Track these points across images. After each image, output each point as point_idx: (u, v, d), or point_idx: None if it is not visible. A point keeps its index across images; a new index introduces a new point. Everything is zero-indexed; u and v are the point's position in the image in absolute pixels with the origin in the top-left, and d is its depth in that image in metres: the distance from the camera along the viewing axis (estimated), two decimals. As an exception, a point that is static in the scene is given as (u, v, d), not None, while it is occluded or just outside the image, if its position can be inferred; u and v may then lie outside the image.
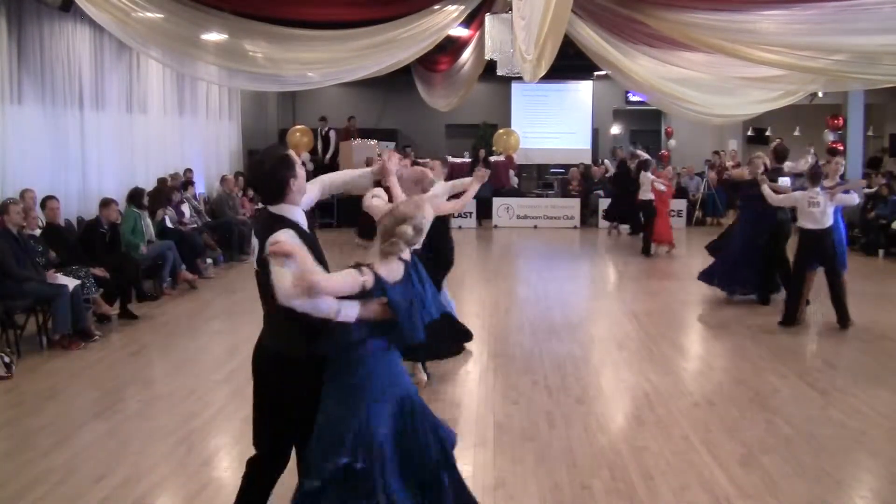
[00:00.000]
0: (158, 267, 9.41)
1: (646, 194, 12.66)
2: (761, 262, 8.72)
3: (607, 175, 17.11)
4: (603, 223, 16.13)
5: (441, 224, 6.08)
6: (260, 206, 3.19)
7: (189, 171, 12.95)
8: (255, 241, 3.12)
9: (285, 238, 2.90)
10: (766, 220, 8.59)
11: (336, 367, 3.03)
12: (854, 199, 8.05)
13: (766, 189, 8.13)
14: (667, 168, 14.89)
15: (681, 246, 14.02)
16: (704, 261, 10.01)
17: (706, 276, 9.27)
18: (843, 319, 7.71)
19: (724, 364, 6.61)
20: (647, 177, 12.65)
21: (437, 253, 6.01)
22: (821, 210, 7.51)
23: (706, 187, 16.92)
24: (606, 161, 18.36)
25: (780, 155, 9.41)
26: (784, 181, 8.79)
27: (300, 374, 3.07)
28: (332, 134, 17.82)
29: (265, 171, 3.07)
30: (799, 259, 7.73)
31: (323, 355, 3.03)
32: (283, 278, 2.82)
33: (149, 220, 9.47)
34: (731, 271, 8.92)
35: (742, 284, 8.91)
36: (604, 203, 16.22)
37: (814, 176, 7.74)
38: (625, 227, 15.33)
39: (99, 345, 7.25)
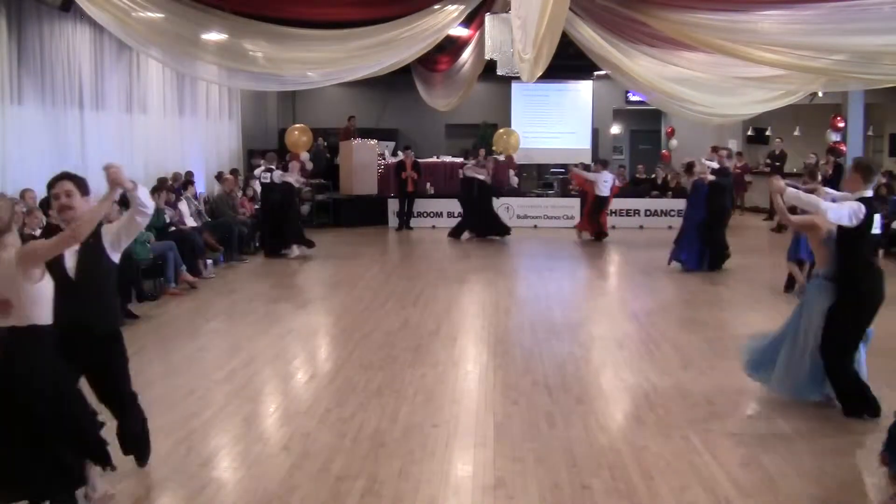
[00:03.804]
0: (159, 267, 9.40)
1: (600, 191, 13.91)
2: (700, 239, 10.68)
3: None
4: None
5: None
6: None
7: (189, 172, 12.95)
8: None
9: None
10: (709, 205, 10.68)
11: None
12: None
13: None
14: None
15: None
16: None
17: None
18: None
19: (725, 363, 6.60)
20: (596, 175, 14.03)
21: None
22: None
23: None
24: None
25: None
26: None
27: None
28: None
29: None
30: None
31: None
32: None
33: None
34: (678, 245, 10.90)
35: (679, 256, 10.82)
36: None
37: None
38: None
39: (99, 345, 7.23)
